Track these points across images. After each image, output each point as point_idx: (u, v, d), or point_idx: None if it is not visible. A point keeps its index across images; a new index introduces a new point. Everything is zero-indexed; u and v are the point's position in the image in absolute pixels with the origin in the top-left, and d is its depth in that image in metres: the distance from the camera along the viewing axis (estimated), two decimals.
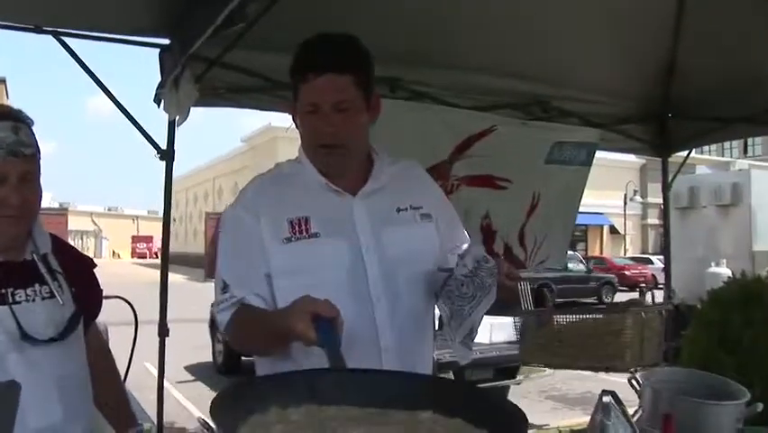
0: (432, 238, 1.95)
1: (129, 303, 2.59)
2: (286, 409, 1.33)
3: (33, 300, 1.82)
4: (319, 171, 1.89)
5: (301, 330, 1.55)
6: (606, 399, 1.98)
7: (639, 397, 2.74)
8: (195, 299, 12.92)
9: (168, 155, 3.35)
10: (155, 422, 4.73)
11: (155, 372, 7.09)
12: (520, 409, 1.27)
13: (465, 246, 1.97)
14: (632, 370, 1.98)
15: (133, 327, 2.60)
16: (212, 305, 7.77)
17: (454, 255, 1.88)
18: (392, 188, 1.94)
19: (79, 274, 2.00)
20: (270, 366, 1.89)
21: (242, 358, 10.10)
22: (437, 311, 1.93)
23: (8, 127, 1.77)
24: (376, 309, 1.84)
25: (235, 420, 1.22)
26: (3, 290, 1.78)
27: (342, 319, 1.58)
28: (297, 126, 1.90)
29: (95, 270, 2.14)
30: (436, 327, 2.08)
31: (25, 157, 1.79)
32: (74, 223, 56.66)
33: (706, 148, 41.02)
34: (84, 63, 3.09)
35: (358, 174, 1.92)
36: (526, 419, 1.22)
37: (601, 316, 2.03)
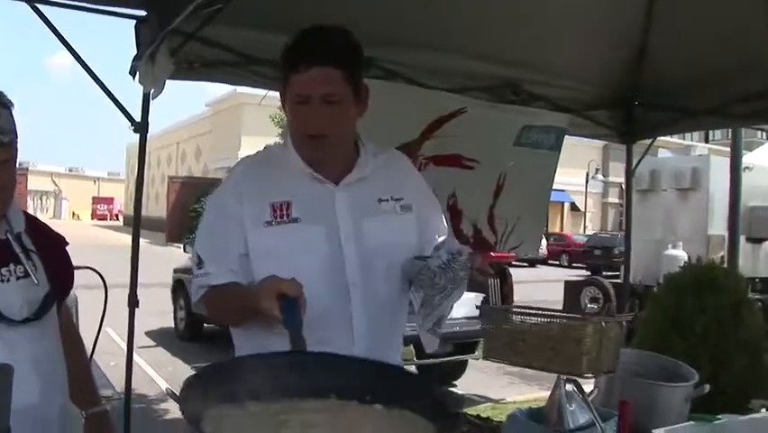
0: (411, 229, 1.99)
1: (100, 275, 2.59)
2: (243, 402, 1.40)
3: (8, 281, 1.81)
4: (304, 160, 1.92)
5: (266, 308, 1.62)
6: (569, 387, 2.06)
7: (594, 378, 2.85)
8: (156, 263, 12.83)
9: (142, 127, 3.34)
10: (116, 389, 4.76)
11: (117, 337, 7.09)
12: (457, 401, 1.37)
13: (443, 238, 2.03)
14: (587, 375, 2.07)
15: (100, 291, 2.59)
16: (174, 270, 7.79)
17: (432, 245, 1.95)
18: (376, 179, 1.97)
19: (53, 253, 1.99)
20: (244, 337, 1.96)
21: (204, 325, 10.10)
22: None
23: None
24: (352, 297, 1.88)
25: (199, 410, 1.28)
26: None
27: (305, 298, 1.64)
28: (285, 111, 1.91)
29: (66, 247, 2.13)
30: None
31: (2, 144, 1.76)
32: (34, 183, 55.53)
33: None
34: (60, 33, 3.05)
35: (343, 163, 1.95)
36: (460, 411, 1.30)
37: (564, 321, 2.11)
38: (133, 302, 3.50)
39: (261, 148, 2.08)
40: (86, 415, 2.15)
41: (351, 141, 1.98)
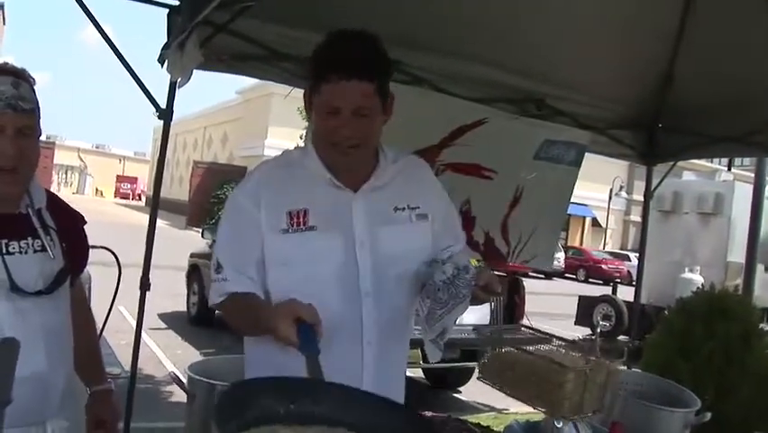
0: (425, 238, 1.98)
1: (115, 255, 2.65)
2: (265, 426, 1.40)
3: (26, 253, 1.88)
4: (325, 166, 1.92)
5: (283, 333, 1.62)
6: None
7: None
8: (174, 246, 12.95)
9: (166, 115, 3.38)
10: (124, 368, 4.82)
11: (129, 316, 7.17)
12: None
13: (455, 248, 2.01)
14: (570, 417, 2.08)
15: (116, 270, 2.64)
16: (191, 255, 7.83)
17: (444, 254, 1.93)
18: (393, 187, 1.97)
19: (70, 230, 2.06)
20: (256, 348, 1.99)
21: (216, 312, 10.14)
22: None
23: (8, 82, 1.81)
24: (363, 305, 1.88)
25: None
26: None
27: (321, 330, 1.64)
28: (308, 114, 1.91)
29: (84, 226, 2.20)
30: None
31: (24, 111, 1.83)
32: (60, 157, 55.93)
33: None
34: (91, 13, 3.09)
35: (363, 170, 1.94)
36: None
37: (553, 353, 2.11)
38: (145, 284, 3.55)
39: (287, 138, 2.09)
40: (90, 391, 2.23)
41: (374, 148, 1.97)
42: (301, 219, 1.87)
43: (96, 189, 75.25)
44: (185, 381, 3.39)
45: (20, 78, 1.84)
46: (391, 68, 1.92)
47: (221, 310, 1.96)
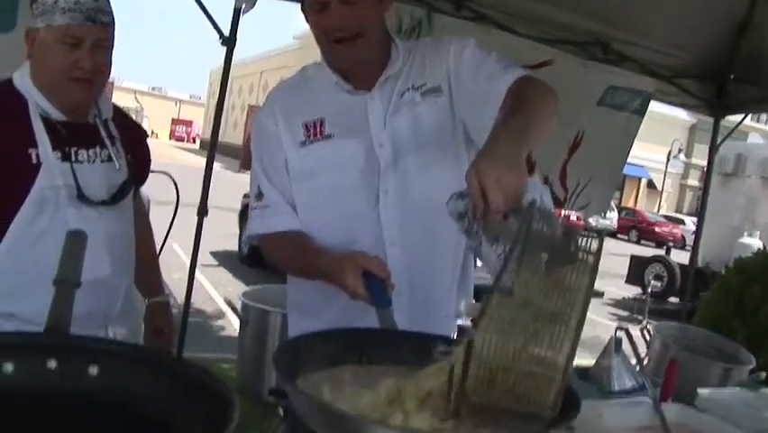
0: (436, 115, 1.82)
1: (172, 178, 2.67)
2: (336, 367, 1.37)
3: (93, 162, 1.92)
4: (335, 71, 1.85)
5: (351, 285, 1.58)
6: (619, 334, 2.04)
7: (648, 348, 2.81)
8: (228, 188, 13.10)
9: (230, 41, 3.36)
10: (177, 300, 4.92)
11: (182, 253, 7.29)
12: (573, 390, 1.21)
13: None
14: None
15: (169, 208, 2.67)
16: (244, 195, 7.93)
17: (485, 126, 1.57)
18: (404, 73, 1.85)
19: (134, 143, 2.10)
20: (301, 292, 1.94)
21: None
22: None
23: None
24: (381, 204, 1.80)
25: (293, 371, 1.26)
26: (66, 149, 1.86)
27: (392, 283, 1.60)
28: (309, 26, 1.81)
29: (146, 139, 2.24)
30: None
31: (102, 24, 1.84)
32: (116, 98, 56.68)
33: (762, 117, 39.91)
34: None
35: (375, 68, 1.84)
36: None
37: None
38: (203, 210, 3.58)
39: None
40: (148, 302, 2.27)
41: (382, 40, 1.85)
42: (318, 129, 1.82)
43: (152, 131, 76.39)
44: (238, 307, 3.45)
45: None
46: None
47: (262, 243, 1.92)
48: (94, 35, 1.82)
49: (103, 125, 1.97)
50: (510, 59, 1.81)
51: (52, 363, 1.09)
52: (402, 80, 1.84)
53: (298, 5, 1.86)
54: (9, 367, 1.07)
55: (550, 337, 1.10)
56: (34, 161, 1.81)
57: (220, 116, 3.82)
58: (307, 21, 1.80)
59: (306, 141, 1.83)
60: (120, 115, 2.09)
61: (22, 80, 1.87)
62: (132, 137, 2.10)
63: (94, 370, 1.09)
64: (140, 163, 2.10)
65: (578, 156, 4.87)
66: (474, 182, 1.30)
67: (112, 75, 2.03)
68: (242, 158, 34.42)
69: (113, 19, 1.89)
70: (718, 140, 5.56)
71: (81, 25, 1.79)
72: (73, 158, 1.87)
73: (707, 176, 5.77)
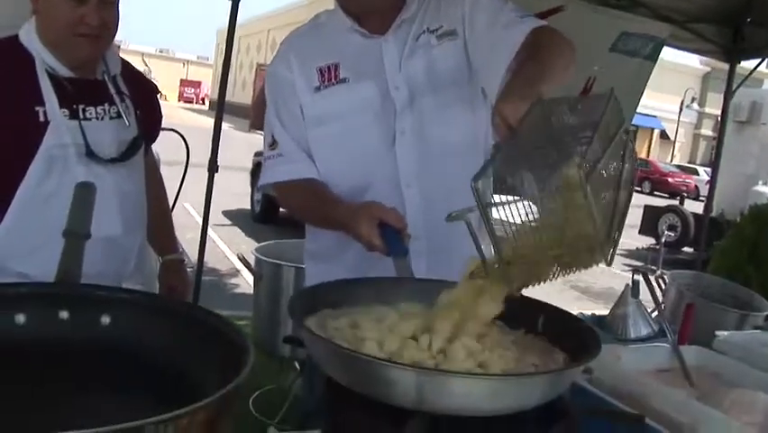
0: (451, 58, 1.80)
1: (182, 136, 2.63)
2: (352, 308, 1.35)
3: (102, 119, 1.89)
4: (349, 14, 1.83)
5: (366, 235, 1.56)
6: (636, 277, 2.02)
7: (663, 295, 2.80)
8: (238, 147, 13.09)
9: None
10: (191, 259, 4.94)
11: (193, 212, 7.31)
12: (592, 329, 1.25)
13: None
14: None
15: (179, 168, 2.64)
16: (255, 154, 7.90)
17: (501, 67, 1.61)
18: (419, 17, 1.84)
19: (144, 98, 2.06)
20: (318, 242, 1.93)
21: (281, 210, 10.28)
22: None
23: None
24: (397, 145, 1.79)
25: (304, 311, 1.25)
26: (74, 106, 1.83)
27: (409, 233, 1.58)
28: None
29: (157, 95, 2.20)
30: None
31: None
32: None
33: None
34: None
35: (390, 12, 1.82)
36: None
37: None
38: (213, 165, 3.56)
39: None
40: (162, 260, 2.26)
41: None
42: (332, 74, 1.81)
43: (161, 93, 76.04)
44: (252, 263, 3.46)
45: None
46: None
47: (278, 192, 1.92)
48: None
49: (111, 81, 1.94)
50: (522, 6, 1.78)
51: (64, 314, 1.08)
52: (417, 24, 1.82)
53: None
54: (21, 318, 1.07)
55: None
56: (41, 118, 1.79)
57: (227, 75, 3.78)
58: None
59: (320, 86, 1.81)
60: (128, 71, 2.05)
61: (28, 36, 1.83)
62: (142, 93, 2.06)
63: (106, 319, 1.08)
64: (150, 120, 2.06)
65: None
66: (496, 120, 1.28)
67: (118, 37, 2.00)
68: (252, 118, 34.34)
69: None
70: (733, 86, 5.47)
71: None
72: (81, 115, 1.84)
73: (721, 123, 5.69)
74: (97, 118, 1.88)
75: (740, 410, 1.41)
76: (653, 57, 4.95)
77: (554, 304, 1.38)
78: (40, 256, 1.67)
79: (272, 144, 1.87)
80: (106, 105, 1.91)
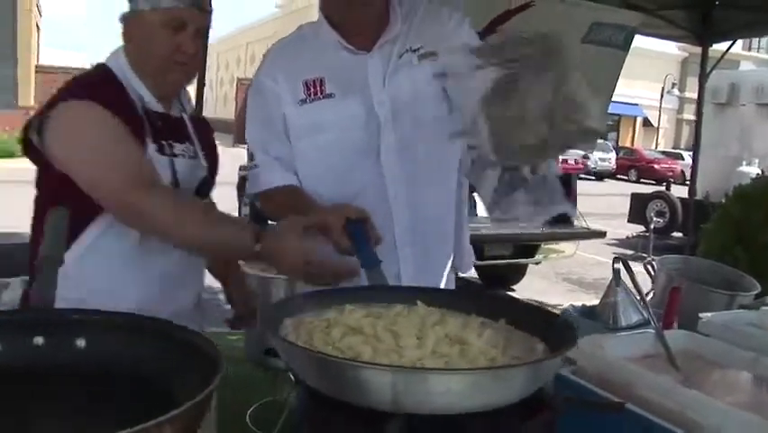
0: (430, 77, 1.84)
1: None
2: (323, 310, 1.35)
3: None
4: (335, 29, 1.86)
5: (335, 235, 1.56)
6: (617, 265, 2.03)
7: (653, 282, 2.81)
8: (222, 162, 12.99)
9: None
10: None
11: None
12: (569, 322, 1.27)
13: None
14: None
15: None
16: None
17: None
18: (402, 36, 1.89)
19: (206, 137, 2.01)
20: None
21: (268, 222, 10.24)
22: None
23: None
24: (384, 163, 1.84)
25: (279, 317, 1.26)
26: (163, 142, 1.79)
27: (378, 235, 1.59)
28: None
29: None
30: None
31: (205, 12, 1.79)
32: None
33: (754, 45, 39.56)
34: None
35: (375, 29, 1.87)
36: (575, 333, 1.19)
37: None
38: None
39: None
40: (232, 278, 2.36)
41: (387, 2, 1.89)
42: (318, 88, 1.84)
43: None
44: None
45: None
46: None
47: (260, 202, 1.96)
48: (197, 21, 1.76)
49: (189, 120, 1.91)
50: (488, 3, 1.87)
51: (39, 340, 1.08)
52: (400, 42, 1.88)
53: None
54: None
55: None
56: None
57: (202, 88, 3.78)
58: None
59: (306, 98, 1.85)
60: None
61: (120, 67, 1.79)
62: (204, 132, 2.01)
63: (81, 342, 1.08)
64: (213, 159, 2.00)
65: None
66: None
67: (94, 62, 1.96)
68: (236, 132, 34.29)
69: (212, 8, 1.84)
70: (707, 69, 5.51)
71: (187, 9, 1.73)
72: (168, 151, 1.80)
73: (698, 107, 5.74)
74: (183, 156, 1.84)
75: (724, 391, 1.41)
76: (626, 46, 4.99)
77: (536, 299, 1.40)
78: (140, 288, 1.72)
79: (251, 156, 1.92)
80: (187, 143, 1.87)
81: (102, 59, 1.84)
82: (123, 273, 1.74)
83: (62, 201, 1.62)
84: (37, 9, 30.69)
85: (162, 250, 1.73)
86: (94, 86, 1.75)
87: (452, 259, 2.04)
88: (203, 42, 1.87)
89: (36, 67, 28.42)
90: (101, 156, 1.65)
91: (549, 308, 1.39)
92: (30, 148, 1.73)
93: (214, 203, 2.15)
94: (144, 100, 1.78)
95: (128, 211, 1.62)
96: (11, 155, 21.53)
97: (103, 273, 1.73)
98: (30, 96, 24.57)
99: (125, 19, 1.80)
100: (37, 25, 31.22)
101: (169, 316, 1.73)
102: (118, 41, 1.82)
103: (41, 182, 1.79)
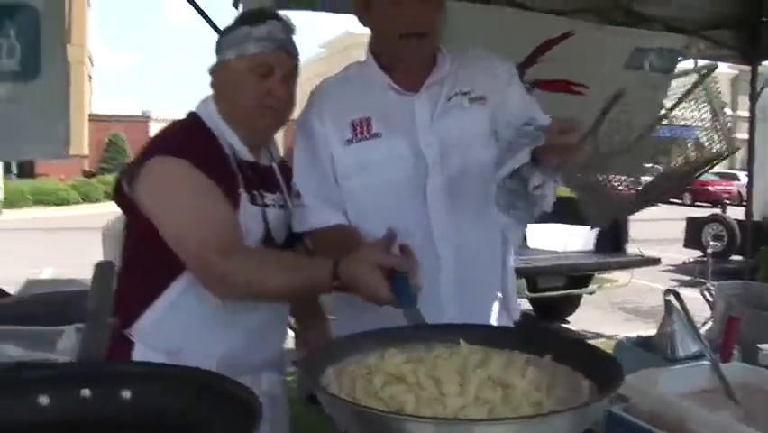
0: (481, 122, 1.87)
1: None
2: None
3: (274, 207, 1.86)
4: (384, 70, 1.87)
5: (374, 291, 1.51)
6: (667, 298, 1.98)
7: (712, 309, 2.72)
8: None
9: None
10: None
11: None
12: (615, 358, 1.24)
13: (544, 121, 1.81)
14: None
15: None
16: None
17: (510, 127, 1.80)
18: (451, 79, 1.89)
19: (289, 185, 1.99)
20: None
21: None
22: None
23: (279, 26, 1.80)
24: (429, 204, 1.83)
25: (321, 365, 1.26)
26: (255, 192, 1.80)
27: (418, 282, 1.54)
28: (363, 22, 1.86)
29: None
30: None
31: (292, 55, 1.82)
32: (155, 129, 58.12)
33: None
34: None
35: (422, 71, 1.88)
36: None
37: None
38: None
39: None
40: (310, 323, 2.18)
41: (437, 45, 1.89)
42: (365, 128, 1.84)
43: None
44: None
45: (289, 27, 1.83)
46: None
47: (311, 241, 1.93)
48: (285, 65, 1.79)
49: (278, 169, 1.93)
50: (533, 32, 1.90)
51: (86, 392, 1.10)
52: (449, 85, 1.88)
53: (320, 14, 1.88)
54: (45, 400, 1.09)
55: None
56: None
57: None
58: (363, 19, 1.86)
59: (353, 138, 1.84)
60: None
61: (210, 116, 1.81)
62: (290, 179, 1.96)
63: (126, 394, 1.09)
64: None
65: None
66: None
67: (148, 109, 1.98)
68: None
69: (298, 52, 1.86)
70: (758, 88, 5.40)
71: (273, 54, 1.77)
72: (260, 201, 1.80)
73: (750, 126, 5.60)
74: (273, 206, 1.84)
75: None
76: (671, 68, 4.91)
77: (592, 330, 1.38)
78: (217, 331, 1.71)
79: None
80: (277, 193, 1.88)
81: (153, 104, 1.86)
82: (204, 333, 1.72)
83: (149, 250, 1.69)
84: (89, 60, 31.82)
85: (248, 307, 1.73)
86: (187, 140, 1.76)
87: (499, 300, 2.01)
88: (294, 87, 1.86)
89: (89, 116, 29.39)
90: (187, 214, 1.66)
91: (593, 343, 1.35)
92: (120, 195, 1.75)
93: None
94: (235, 149, 1.78)
95: (209, 274, 1.63)
96: (65, 203, 22.15)
97: (184, 331, 1.71)
98: (83, 145, 25.29)
99: (212, 71, 1.84)
100: (89, 75, 32.34)
101: (253, 367, 1.77)
102: (171, 86, 1.84)
103: (130, 231, 1.81)
